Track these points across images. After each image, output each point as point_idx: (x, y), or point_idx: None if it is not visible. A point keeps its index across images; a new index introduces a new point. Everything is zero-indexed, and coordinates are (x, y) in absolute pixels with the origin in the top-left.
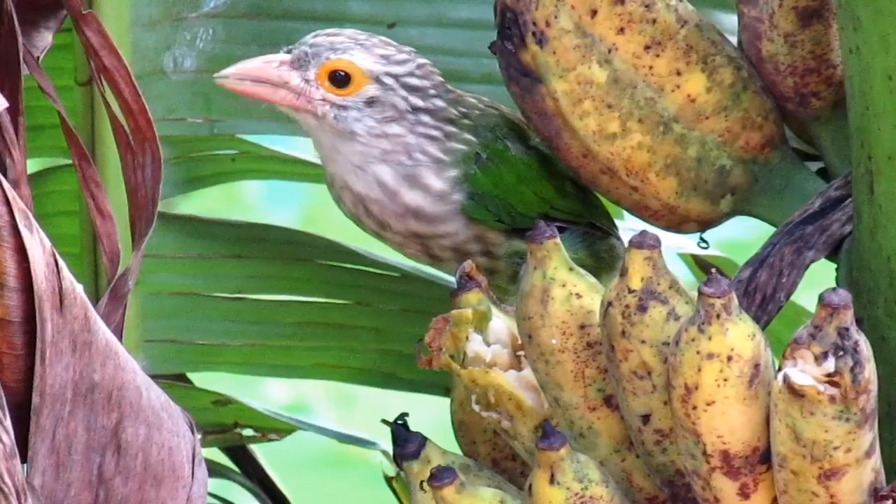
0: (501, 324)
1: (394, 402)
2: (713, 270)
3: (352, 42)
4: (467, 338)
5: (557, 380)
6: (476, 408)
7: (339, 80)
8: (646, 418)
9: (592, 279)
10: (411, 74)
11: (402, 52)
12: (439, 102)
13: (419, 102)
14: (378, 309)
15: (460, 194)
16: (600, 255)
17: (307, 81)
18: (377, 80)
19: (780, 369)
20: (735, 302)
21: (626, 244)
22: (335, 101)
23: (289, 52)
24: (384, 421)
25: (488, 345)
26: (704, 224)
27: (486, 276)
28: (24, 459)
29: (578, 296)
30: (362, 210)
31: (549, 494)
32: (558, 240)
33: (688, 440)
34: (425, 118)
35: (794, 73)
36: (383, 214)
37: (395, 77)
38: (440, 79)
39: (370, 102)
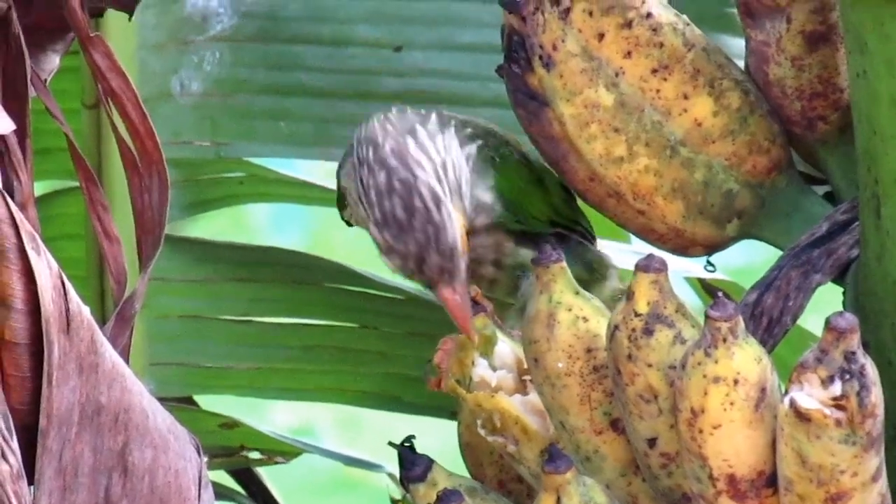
0: (506, 348)
1: (400, 425)
2: (719, 294)
3: (429, 211)
4: (473, 363)
5: (563, 403)
6: (482, 432)
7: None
8: (652, 442)
9: (598, 303)
10: (444, 167)
11: (430, 152)
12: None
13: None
14: (384, 332)
15: (498, 204)
16: (592, 266)
17: (463, 272)
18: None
19: (786, 393)
20: (741, 325)
21: (630, 268)
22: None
23: (432, 283)
24: (391, 443)
25: (494, 370)
26: (711, 248)
27: (488, 287)
28: (30, 482)
29: (585, 319)
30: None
31: None
32: (564, 264)
33: (694, 464)
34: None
35: (802, 97)
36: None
37: (445, 171)
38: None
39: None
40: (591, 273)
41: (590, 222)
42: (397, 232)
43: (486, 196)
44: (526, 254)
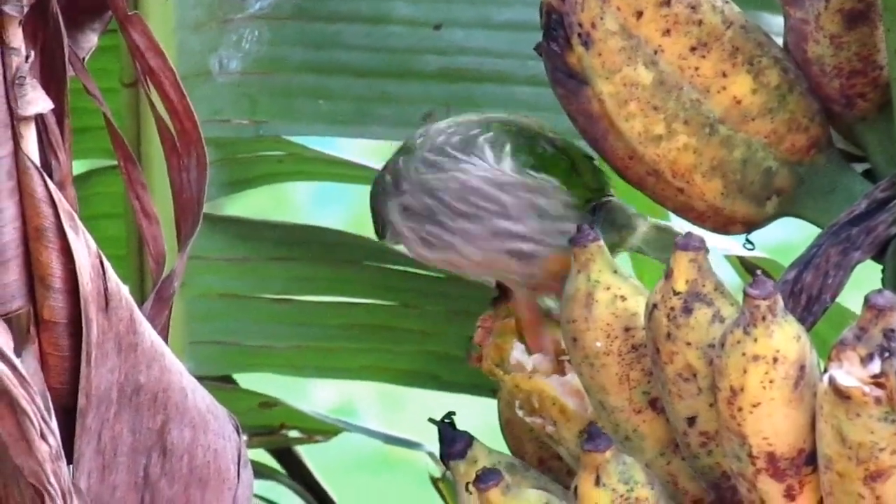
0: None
1: (440, 403)
2: (758, 272)
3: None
4: (511, 347)
5: (602, 383)
6: (520, 413)
7: None
8: (691, 421)
9: (636, 282)
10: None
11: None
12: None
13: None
14: (424, 311)
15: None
16: (622, 225)
17: None
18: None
19: (825, 371)
20: (780, 304)
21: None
22: None
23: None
24: (431, 420)
25: (530, 354)
26: (750, 226)
27: None
28: (69, 461)
29: (623, 298)
30: None
31: (594, 496)
32: (601, 242)
33: (733, 442)
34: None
35: (840, 75)
36: None
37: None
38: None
39: None
40: (622, 232)
41: (607, 177)
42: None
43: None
44: None
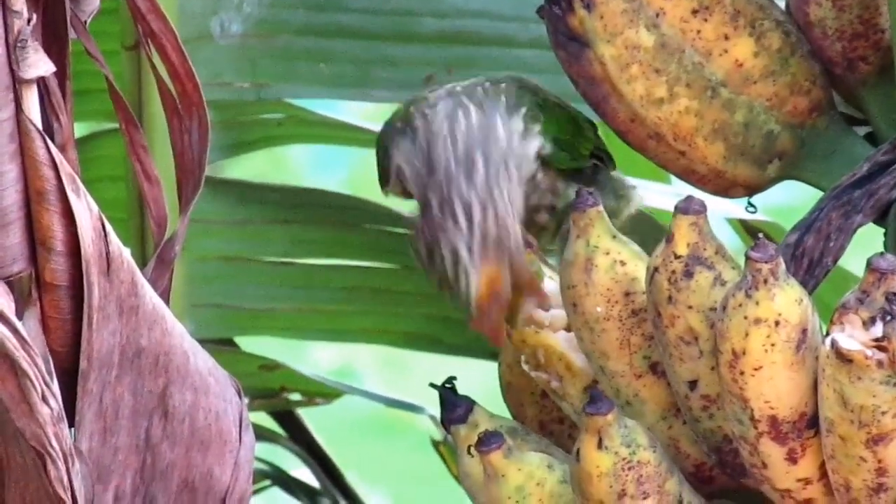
0: (553, 285)
1: (442, 367)
2: (760, 235)
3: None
4: (522, 301)
5: (603, 348)
6: (525, 367)
7: None
8: (693, 384)
9: (636, 247)
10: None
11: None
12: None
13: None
14: (424, 273)
15: (541, 145)
16: (619, 193)
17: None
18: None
19: (827, 334)
20: (782, 267)
21: (670, 209)
22: None
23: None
24: (432, 385)
25: (547, 310)
26: (752, 189)
27: (536, 234)
28: (71, 424)
29: (623, 263)
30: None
31: (596, 459)
32: (601, 208)
33: (735, 406)
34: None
35: (842, 38)
36: None
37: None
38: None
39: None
40: (619, 200)
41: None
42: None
43: (534, 146)
44: (570, 195)
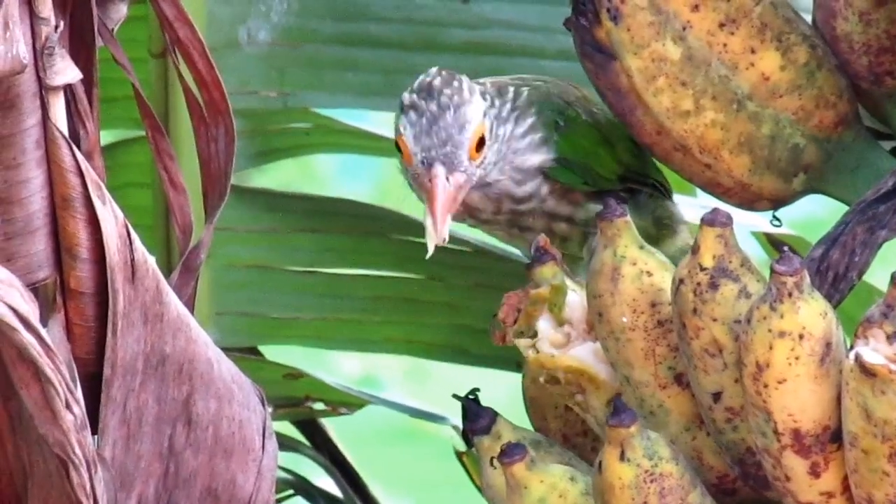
0: (576, 297)
1: (465, 377)
2: (785, 248)
3: (453, 108)
4: (539, 316)
5: (628, 358)
6: (546, 384)
7: (480, 143)
8: (717, 396)
9: (663, 257)
10: (486, 92)
11: (459, 79)
12: (510, 91)
13: (497, 108)
14: (450, 283)
15: (548, 159)
16: (662, 222)
17: (466, 170)
18: (485, 114)
19: (851, 348)
20: (807, 280)
21: (696, 221)
22: (482, 159)
23: (427, 162)
24: (455, 396)
25: (561, 324)
26: (777, 202)
27: (560, 244)
28: (94, 431)
29: (649, 273)
30: (461, 213)
31: (619, 471)
32: (629, 218)
33: (759, 418)
34: (508, 126)
35: (869, 52)
36: (479, 203)
37: (496, 117)
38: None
39: (487, 141)
40: (660, 228)
41: (664, 176)
42: (419, 122)
43: (532, 159)
44: (596, 209)
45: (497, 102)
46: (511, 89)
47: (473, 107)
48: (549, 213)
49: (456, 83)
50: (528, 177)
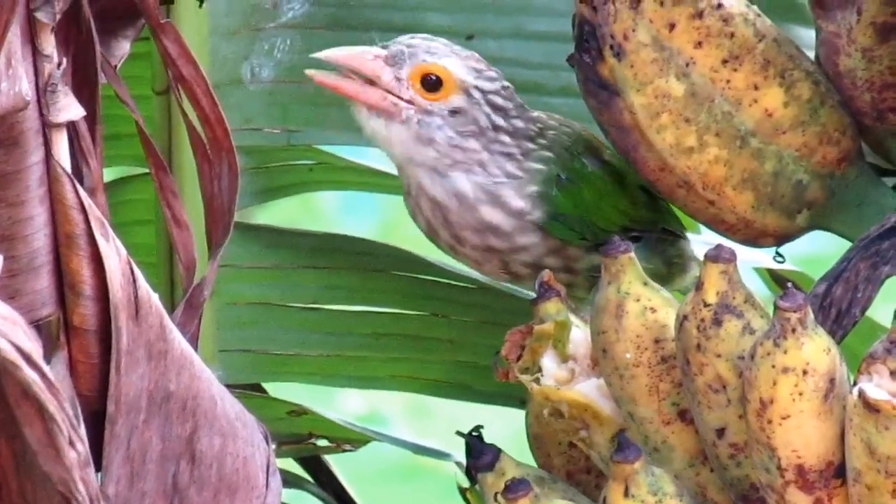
0: (581, 333)
1: (469, 413)
2: (789, 285)
3: (448, 49)
4: (543, 353)
5: (632, 394)
6: (550, 419)
7: (431, 84)
8: (720, 432)
9: (667, 293)
10: (497, 93)
11: (491, 69)
12: (519, 123)
13: (500, 122)
14: (453, 320)
15: (540, 212)
16: (673, 261)
17: (398, 80)
18: (466, 91)
19: (855, 384)
20: (810, 316)
21: (699, 255)
22: (422, 104)
23: (384, 47)
24: (459, 433)
25: (565, 360)
26: (781, 238)
27: (564, 288)
28: (98, 468)
29: (653, 310)
30: (440, 219)
31: None
32: (632, 254)
33: (762, 454)
34: (504, 137)
35: (872, 89)
36: (460, 227)
37: (483, 92)
38: (520, 101)
39: (454, 113)
40: (671, 268)
41: (678, 219)
42: None
43: (518, 202)
44: (599, 258)
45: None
46: (552, 133)
47: (458, 62)
48: (540, 264)
49: (473, 56)
50: (524, 226)
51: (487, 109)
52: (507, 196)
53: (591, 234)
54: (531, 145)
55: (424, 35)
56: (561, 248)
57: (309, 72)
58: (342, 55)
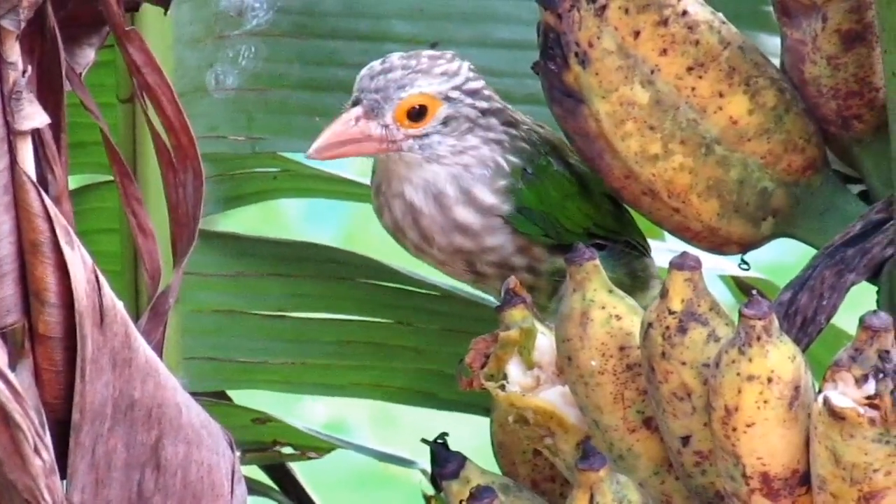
0: (546, 341)
1: (434, 421)
2: (754, 292)
3: (410, 70)
4: (508, 361)
5: (597, 402)
6: (515, 426)
7: (416, 114)
8: (686, 440)
9: (632, 301)
10: (468, 80)
11: (454, 59)
12: (497, 104)
13: (483, 104)
14: (418, 328)
15: (508, 206)
16: (637, 274)
17: (386, 127)
18: (447, 98)
19: (820, 392)
20: (776, 324)
21: (664, 265)
22: (418, 132)
23: (356, 102)
24: (424, 440)
25: (531, 367)
26: (746, 246)
27: (528, 292)
28: (63, 476)
29: (618, 317)
30: (409, 221)
31: None
32: (598, 262)
33: (727, 462)
34: (493, 120)
35: (837, 96)
36: (431, 228)
37: (459, 88)
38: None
39: (446, 122)
40: (633, 280)
41: (643, 236)
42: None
43: (489, 198)
44: (563, 261)
45: (492, 118)
46: (526, 128)
47: (427, 79)
48: (506, 264)
49: (428, 57)
50: (492, 224)
51: (469, 100)
52: (478, 192)
53: (554, 233)
54: (514, 131)
55: (382, 63)
56: (527, 246)
57: (310, 157)
58: (327, 139)
